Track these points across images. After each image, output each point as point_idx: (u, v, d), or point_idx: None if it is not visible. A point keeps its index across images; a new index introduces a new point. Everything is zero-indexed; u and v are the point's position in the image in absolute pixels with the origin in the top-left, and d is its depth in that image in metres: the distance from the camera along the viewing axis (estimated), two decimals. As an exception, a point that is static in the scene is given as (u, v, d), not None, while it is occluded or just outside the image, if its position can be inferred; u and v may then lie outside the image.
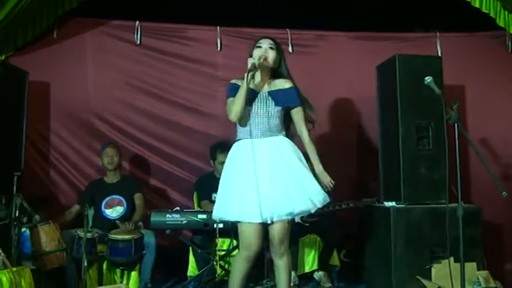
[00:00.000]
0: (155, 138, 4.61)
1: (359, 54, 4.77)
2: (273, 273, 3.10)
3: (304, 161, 2.81)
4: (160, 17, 4.61)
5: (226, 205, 2.75)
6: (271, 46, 2.85)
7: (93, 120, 4.54)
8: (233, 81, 2.89)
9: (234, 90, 2.81)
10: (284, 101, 2.84)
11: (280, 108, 2.83)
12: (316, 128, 4.70)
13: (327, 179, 2.84)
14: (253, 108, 2.79)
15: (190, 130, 4.64)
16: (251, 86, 2.76)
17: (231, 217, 2.74)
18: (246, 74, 2.72)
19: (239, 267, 2.76)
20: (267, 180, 2.68)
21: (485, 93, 4.78)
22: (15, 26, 4.16)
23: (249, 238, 2.70)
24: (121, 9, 4.52)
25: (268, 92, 2.85)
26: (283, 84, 2.87)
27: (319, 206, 2.73)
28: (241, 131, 2.85)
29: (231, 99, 2.80)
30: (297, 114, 2.88)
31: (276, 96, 2.83)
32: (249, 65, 2.73)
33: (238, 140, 2.86)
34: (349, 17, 4.65)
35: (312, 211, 2.74)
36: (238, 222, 2.74)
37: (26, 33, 4.30)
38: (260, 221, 2.66)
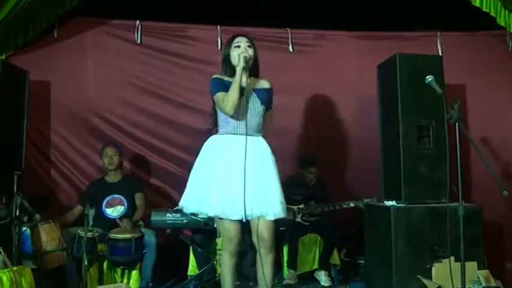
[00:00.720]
0: (155, 137, 4.62)
1: (359, 53, 4.77)
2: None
3: (276, 167, 2.83)
4: (160, 16, 4.61)
5: (204, 199, 2.72)
6: (249, 44, 2.86)
7: (93, 119, 4.53)
8: (216, 76, 2.90)
9: (221, 85, 2.82)
10: (266, 101, 2.88)
11: (264, 107, 2.86)
12: (316, 127, 4.77)
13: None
14: (241, 104, 2.77)
15: (190, 129, 4.62)
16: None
17: (212, 212, 2.72)
18: (239, 69, 2.73)
19: (226, 262, 2.82)
20: (250, 179, 2.69)
21: (486, 92, 4.78)
22: (15, 26, 4.15)
23: (230, 232, 2.75)
24: (121, 8, 4.52)
25: (254, 90, 2.86)
26: (264, 83, 2.92)
27: (277, 216, 2.75)
28: (225, 124, 2.83)
29: (221, 93, 2.79)
30: (268, 115, 2.93)
31: (261, 95, 2.86)
32: (241, 60, 2.74)
33: (220, 134, 2.85)
34: (349, 16, 4.65)
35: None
36: (219, 217, 2.75)
37: (26, 33, 4.29)
38: (241, 217, 2.67)
